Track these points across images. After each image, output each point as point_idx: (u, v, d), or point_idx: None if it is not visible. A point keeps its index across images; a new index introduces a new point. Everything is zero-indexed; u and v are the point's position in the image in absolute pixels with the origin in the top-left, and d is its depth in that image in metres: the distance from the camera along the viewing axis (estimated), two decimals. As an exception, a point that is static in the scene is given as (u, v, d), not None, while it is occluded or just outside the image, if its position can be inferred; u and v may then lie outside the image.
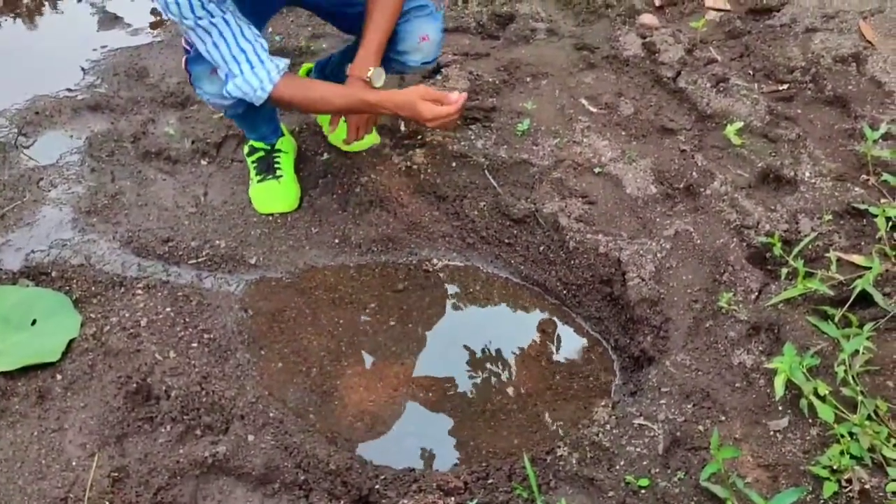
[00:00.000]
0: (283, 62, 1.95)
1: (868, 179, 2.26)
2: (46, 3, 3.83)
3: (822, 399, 1.65)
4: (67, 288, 2.05)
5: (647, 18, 3.19)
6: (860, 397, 1.64)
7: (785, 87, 2.72)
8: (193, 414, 1.78)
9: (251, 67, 1.89)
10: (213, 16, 1.80)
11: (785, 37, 2.95)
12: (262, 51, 1.90)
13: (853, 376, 1.68)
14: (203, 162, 2.54)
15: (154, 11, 3.59)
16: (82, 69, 3.05)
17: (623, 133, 2.56)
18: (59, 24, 3.62)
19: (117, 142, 2.60)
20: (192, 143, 2.58)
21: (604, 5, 3.28)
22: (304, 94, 1.99)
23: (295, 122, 2.64)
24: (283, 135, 2.41)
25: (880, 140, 2.34)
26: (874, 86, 2.62)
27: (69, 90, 2.90)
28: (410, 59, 2.15)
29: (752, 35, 3.01)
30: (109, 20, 3.48)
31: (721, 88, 2.68)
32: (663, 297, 2.01)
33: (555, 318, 2.17)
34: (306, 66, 2.63)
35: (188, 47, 2.04)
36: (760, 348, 1.84)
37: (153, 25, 3.46)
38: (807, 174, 2.30)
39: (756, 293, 1.98)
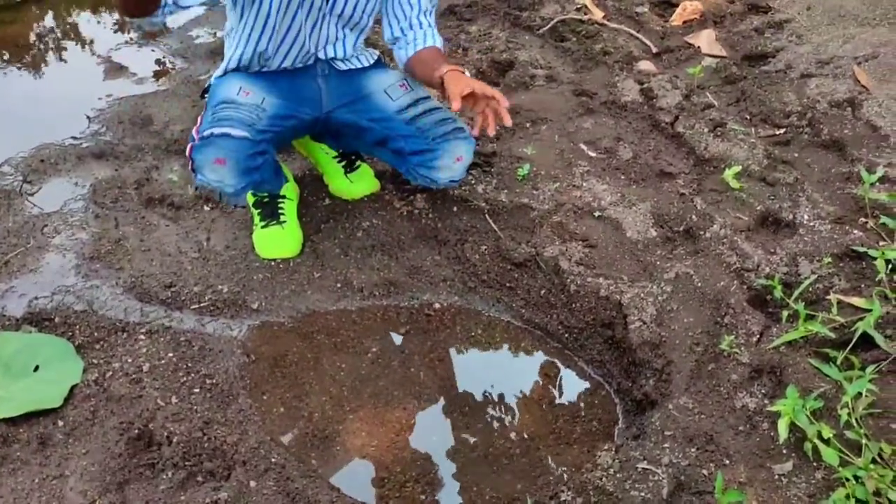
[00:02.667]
0: None
1: (866, 222, 2.28)
2: (52, 53, 3.89)
3: (827, 442, 1.65)
4: (70, 334, 2.05)
5: (645, 65, 3.24)
6: (864, 440, 1.64)
7: (782, 131, 2.75)
8: (195, 460, 1.77)
9: None
10: None
11: (781, 82, 3.00)
12: None
13: (857, 419, 1.68)
14: (206, 208, 2.56)
15: (159, 61, 3.65)
16: (87, 118, 3.09)
17: (622, 177, 2.58)
18: (65, 73, 3.68)
19: (121, 188, 2.63)
20: (196, 189, 2.60)
21: (601, 52, 3.33)
22: None
23: (298, 169, 2.67)
24: (287, 181, 2.44)
25: (877, 183, 2.36)
26: (870, 130, 2.66)
27: (74, 138, 2.93)
28: (441, 176, 2.26)
29: (749, 81, 3.06)
30: (115, 70, 3.54)
31: (718, 133, 2.71)
32: (665, 340, 2.01)
33: (556, 362, 2.17)
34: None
35: (196, 136, 2.11)
36: (763, 391, 1.84)
37: (157, 74, 3.51)
38: (805, 217, 2.32)
39: (757, 336, 1.98)
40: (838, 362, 1.83)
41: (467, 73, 2.17)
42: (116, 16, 4.30)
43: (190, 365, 2.00)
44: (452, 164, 2.26)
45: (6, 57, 3.80)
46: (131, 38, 3.94)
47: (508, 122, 2.04)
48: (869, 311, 1.91)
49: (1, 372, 1.91)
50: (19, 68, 3.70)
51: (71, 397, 1.88)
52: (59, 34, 4.11)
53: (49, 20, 4.27)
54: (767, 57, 3.22)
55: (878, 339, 1.85)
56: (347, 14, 2.19)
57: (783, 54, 3.18)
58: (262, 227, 2.38)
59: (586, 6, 3.69)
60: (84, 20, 4.25)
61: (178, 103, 3.16)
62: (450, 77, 2.08)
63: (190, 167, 2.13)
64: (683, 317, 2.07)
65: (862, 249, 2.15)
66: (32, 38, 4.07)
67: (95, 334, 2.06)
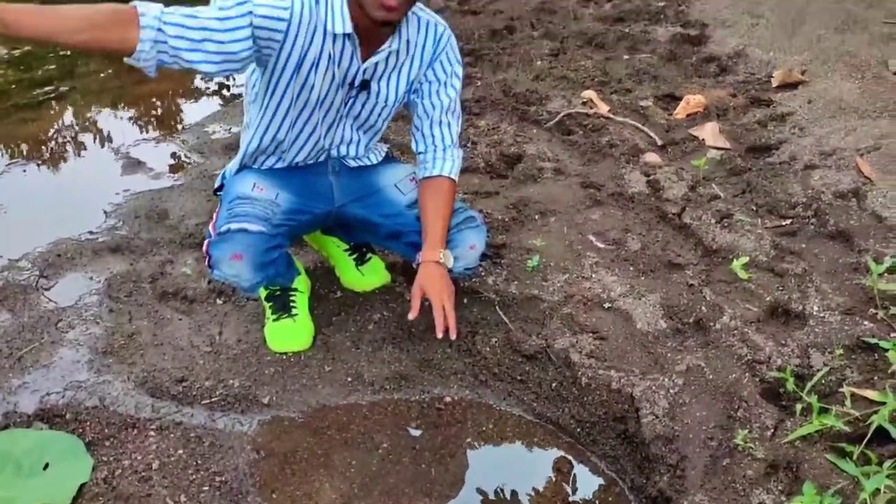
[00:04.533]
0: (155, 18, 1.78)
1: (877, 313, 2.28)
2: (71, 149, 4.00)
3: (846, 541, 1.61)
4: (81, 430, 2.05)
5: (651, 157, 3.30)
6: (885, 538, 1.60)
7: (788, 222, 2.78)
8: (203, 561, 1.74)
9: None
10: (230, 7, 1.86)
11: (785, 173, 3.05)
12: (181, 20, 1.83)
13: (876, 516, 1.65)
14: (219, 301, 2.58)
15: (175, 156, 3.75)
16: (104, 212, 3.15)
17: (631, 268, 2.60)
18: (83, 169, 3.78)
19: (136, 282, 2.66)
20: (209, 282, 2.63)
21: (608, 145, 3.40)
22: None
23: (310, 262, 2.70)
24: (299, 274, 2.47)
25: (886, 274, 2.37)
26: (875, 220, 2.68)
27: (91, 233, 2.99)
28: (455, 265, 2.28)
29: (753, 172, 3.10)
30: (132, 165, 3.63)
31: (725, 224, 2.74)
32: (678, 435, 1.99)
33: (569, 457, 2.14)
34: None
35: (212, 231, 2.16)
36: (780, 487, 1.81)
37: (174, 169, 3.60)
38: (815, 308, 2.32)
39: (772, 430, 1.96)
40: (855, 457, 1.81)
41: (445, 258, 2.20)
42: (134, 112, 4.43)
43: (199, 462, 1.99)
44: (466, 252, 2.28)
45: (26, 153, 3.91)
46: (149, 135, 4.05)
47: (452, 335, 2.16)
48: (883, 403, 1.89)
49: (12, 471, 1.90)
50: (39, 165, 3.80)
51: (80, 496, 1.86)
52: (78, 130, 4.24)
53: (69, 117, 4.41)
54: (771, 149, 3.28)
55: (894, 432, 1.82)
56: (363, 117, 2.26)
57: (786, 146, 3.23)
58: (274, 320, 2.40)
59: (592, 101, 3.78)
60: (103, 117, 4.38)
61: (193, 198, 3.22)
62: (420, 273, 2.19)
63: (206, 263, 2.16)
64: (696, 410, 2.05)
65: (873, 341, 2.14)
66: (52, 134, 4.19)
67: (106, 430, 2.06)
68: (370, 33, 2.06)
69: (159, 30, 1.77)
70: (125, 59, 1.80)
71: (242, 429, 2.14)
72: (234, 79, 4.98)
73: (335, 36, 2.04)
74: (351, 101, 2.20)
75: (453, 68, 2.25)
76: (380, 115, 2.27)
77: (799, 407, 1.98)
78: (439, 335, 2.15)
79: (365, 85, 2.17)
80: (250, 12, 1.88)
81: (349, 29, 2.02)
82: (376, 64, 2.14)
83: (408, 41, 2.15)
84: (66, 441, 2.00)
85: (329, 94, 2.14)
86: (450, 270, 2.27)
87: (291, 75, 2.06)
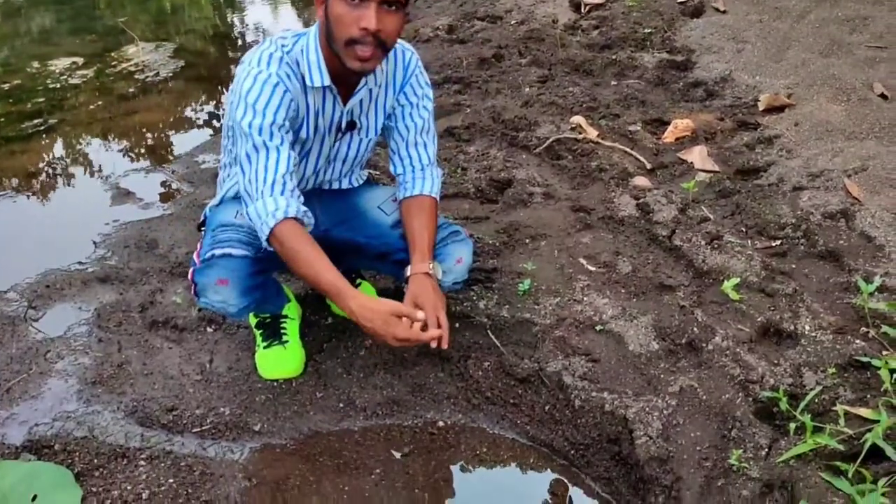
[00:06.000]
0: (299, 209, 2.01)
1: (868, 332, 2.28)
2: (61, 181, 4.00)
3: (844, 560, 1.60)
4: (70, 461, 2.03)
5: (640, 181, 3.31)
6: (882, 557, 1.59)
7: (778, 242, 2.79)
8: (194, 591, 1.72)
9: (271, 194, 1.98)
10: (272, 139, 1.98)
11: (774, 195, 3.06)
12: (290, 182, 2.01)
13: (873, 534, 1.63)
14: (209, 329, 2.57)
15: (164, 183, 3.74)
16: (94, 243, 3.14)
17: (623, 291, 2.60)
18: (73, 200, 3.77)
19: (125, 312, 2.65)
20: (199, 311, 2.62)
21: (597, 169, 3.41)
22: (294, 252, 2.00)
23: (301, 288, 2.69)
24: (289, 301, 2.46)
25: (875, 293, 2.38)
26: (864, 240, 2.69)
27: (80, 263, 2.98)
28: (445, 280, 2.27)
29: (742, 194, 3.11)
30: (122, 195, 3.63)
31: (715, 245, 2.75)
32: (672, 456, 1.98)
33: (564, 480, 2.13)
34: None
35: (197, 260, 2.15)
36: (775, 507, 1.80)
37: (163, 198, 3.60)
38: (807, 328, 2.32)
39: (766, 449, 1.95)
40: (850, 475, 1.80)
41: (434, 269, 2.19)
42: (124, 143, 4.44)
43: (190, 491, 1.97)
44: (454, 266, 2.29)
45: (16, 185, 3.90)
46: (139, 165, 4.05)
47: (444, 345, 2.07)
48: (876, 421, 1.89)
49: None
50: (29, 196, 3.79)
51: (68, 527, 1.84)
52: (68, 162, 4.24)
53: (59, 149, 4.41)
54: (759, 171, 3.30)
55: (889, 450, 1.82)
56: (351, 157, 2.30)
57: (774, 168, 3.25)
58: (265, 347, 2.39)
59: (580, 126, 3.80)
60: (92, 148, 4.38)
61: (183, 227, 3.22)
62: (411, 285, 2.15)
63: (192, 291, 2.15)
64: (690, 431, 2.04)
65: (865, 359, 2.14)
66: (42, 166, 4.19)
67: (95, 461, 2.03)
68: (347, 78, 2.10)
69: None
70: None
71: (233, 457, 2.12)
72: (223, 109, 5.00)
73: (315, 89, 2.08)
74: (338, 144, 2.23)
75: (424, 90, 2.29)
76: (366, 148, 2.31)
77: (793, 426, 1.97)
78: (433, 346, 2.10)
79: (352, 125, 2.20)
80: (275, 130, 1.99)
81: (327, 81, 2.07)
82: (360, 101, 2.17)
83: (380, 72, 2.18)
84: (55, 472, 1.98)
85: (315, 146, 2.18)
86: (440, 284, 2.26)
87: None
